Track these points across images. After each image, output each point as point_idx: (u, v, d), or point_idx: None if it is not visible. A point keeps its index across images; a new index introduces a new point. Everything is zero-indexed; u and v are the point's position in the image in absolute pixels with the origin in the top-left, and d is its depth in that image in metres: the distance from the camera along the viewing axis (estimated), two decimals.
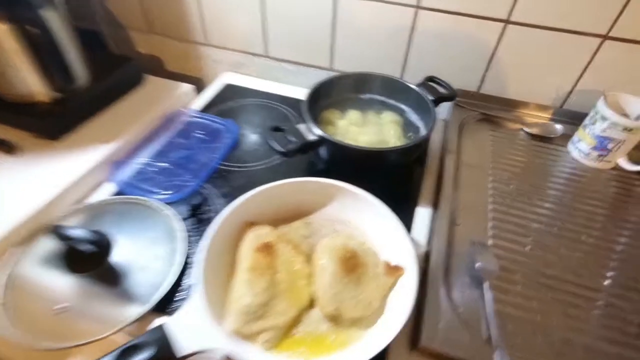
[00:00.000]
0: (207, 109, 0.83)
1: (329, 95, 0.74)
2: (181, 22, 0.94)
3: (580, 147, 0.70)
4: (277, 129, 0.62)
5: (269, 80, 0.98)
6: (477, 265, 0.51)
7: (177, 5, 0.91)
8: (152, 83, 0.83)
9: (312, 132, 0.61)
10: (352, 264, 0.50)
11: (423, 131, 0.70)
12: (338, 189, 0.57)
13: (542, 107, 0.78)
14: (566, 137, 0.74)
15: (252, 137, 0.77)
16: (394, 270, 0.50)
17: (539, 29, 0.70)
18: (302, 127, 0.63)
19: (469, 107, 0.80)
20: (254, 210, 0.56)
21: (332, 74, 0.90)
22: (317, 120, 0.71)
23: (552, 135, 0.75)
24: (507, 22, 0.70)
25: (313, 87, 0.70)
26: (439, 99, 0.70)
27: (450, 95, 0.71)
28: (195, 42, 0.98)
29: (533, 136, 0.75)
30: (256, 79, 0.95)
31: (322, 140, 0.60)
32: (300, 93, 0.70)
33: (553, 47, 0.71)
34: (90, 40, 1.00)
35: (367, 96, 0.77)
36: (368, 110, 0.74)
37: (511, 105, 0.80)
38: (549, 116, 0.78)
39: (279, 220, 0.58)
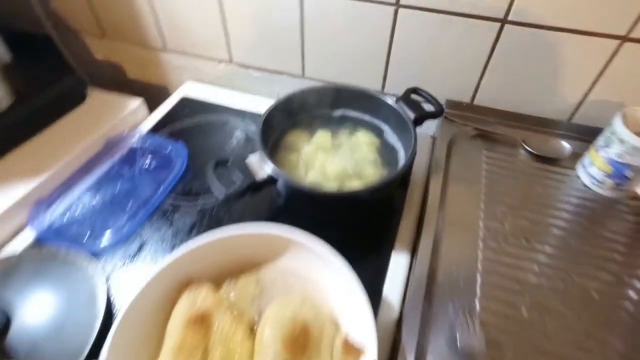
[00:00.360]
0: (158, 128, 0.73)
1: (294, 113, 0.63)
2: (135, 26, 0.84)
3: (592, 173, 0.59)
4: (220, 163, 0.52)
5: (237, 89, 0.87)
6: (459, 345, 0.41)
7: (128, 8, 0.80)
8: (97, 99, 0.73)
9: (264, 167, 0.51)
10: (301, 342, 0.41)
11: (402, 156, 0.59)
12: (290, 241, 0.47)
13: (546, 121, 0.67)
14: (576, 156, 0.63)
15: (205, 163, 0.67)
16: (353, 352, 0.40)
17: (543, 29, 0.57)
18: (253, 160, 0.52)
19: (460, 121, 0.68)
20: (192, 267, 0.46)
21: (304, 82, 0.80)
22: (279, 146, 0.60)
23: (558, 157, 0.63)
24: (504, 21, 0.58)
25: (272, 105, 0.59)
26: (421, 117, 0.59)
27: (436, 112, 0.60)
28: (154, 48, 0.88)
29: (535, 156, 0.64)
30: (220, 89, 0.84)
31: (274, 179, 0.50)
32: (268, 104, 0.60)
33: (560, 51, 0.59)
34: (39, 46, 0.91)
35: (340, 112, 0.66)
36: (340, 130, 0.63)
37: (510, 118, 0.68)
38: (555, 131, 0.67)
39: (224, 274, 0.48)
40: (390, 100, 0.61)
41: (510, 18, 0.57)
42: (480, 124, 0.67)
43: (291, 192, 0.50)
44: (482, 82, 0.67)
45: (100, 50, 0.95)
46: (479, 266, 0.50)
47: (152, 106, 0.81)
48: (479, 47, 0.62)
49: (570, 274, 0.49)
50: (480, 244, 0.52)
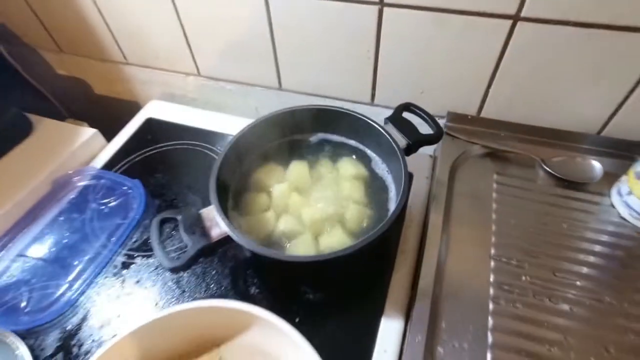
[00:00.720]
0: (117, 159, 0.64)
1: (262, 142, 0.53)
2: (90, 39, 0.74)
3: (631, 203, 0.47)
4: (168, 220, 0.43)
5: (212, 104, 0.78)
6: None
7: (79, 21, 0.70)
8: (45, 131, 0.64)
9: (219, 224, 0.41)
10: None
11: (393, 193, 0.49)
12: (252, 315, 0.38)
13: (571, 135, 0.55)
14: (609, 178, 0.51)
15: (169, 204, 0.58)
16: None
17: (566, 25, 0.45)
18: (207, 213, 0.43)
19: (465, 137, 0.57)
20: (145, 347, 0.38)
21: (282, 94, 0.69)
22: (246, 186, 0.51)
23: (586, 180, 0.52)
24: (517, 18, 0.46)
25: (233, 138, 0.49)
26: (415, 144, 0.48)
27: (433, 137, 0.49)
28: (115, 62, 0.78)
29: (557, 179, 0.52)
30: (190, 108, 0.74)
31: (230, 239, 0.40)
32: (244, 125, 0.50)
33: (587, 51, 0.47)
34: None
35: (318, 137, 0.55)
36: (319, 160, 0.53)
37: (525, 132, 0.56)
38: (582, 146, 0.55)
39: (181, 355, 0.40)
40: (378, 122, 0.50)
41: (524, 14, 0.45)
42: (489, 141, 0.56)
43: (253, 255, 0.40)
44: (491, 90, 0.55)
45: (61, 65, 0.86)
46: (489, 338, 0.40)
47: (122, 124, 0.72)
48: (486, 50, 0.50)
49: (606, 344, 0.39)
50: (491, 306, 0.42)
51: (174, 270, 0.39)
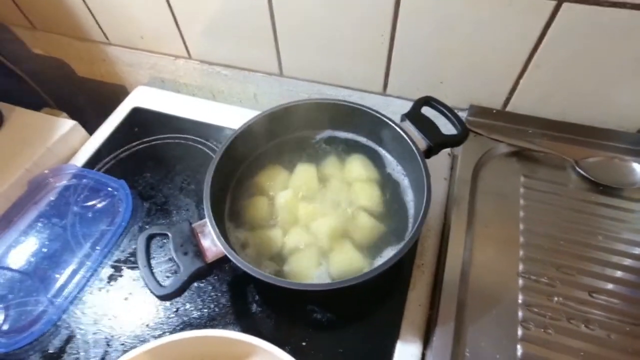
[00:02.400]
0: (101, 156, 0.57)
1: (263, 140, 0.47)
2: (66, 15, 0.65)
3: None
4: (156, 236, 0.37)
5: (207, 91, 0.71)
6: None
7: None
8: (17, 123, 0.57)
9: (216, 242, 0.36)
10: None
11: (410, 197, 0.44)
12: (249, 345, 0.34)
13: (609, 134, 0.49)
14: None
15: (160, 207, 0.52)
16: None
17: (622, 8, 0.38)
18: (201, 225, 0.37)
19: (489, 134, 0.51)
20: None
21: (284, 80, 0.62)
22: (244, 193, 0.45)
23: (625, 185, 0.46)
24: None
25: (230, 138, 0.43)
26: (437, 146, 0.42)
27: (457, 138, 0.43)
28: (96, 42, 0.70)
29: (592, 183, 0.47)
30: (181, 95, 0.67)
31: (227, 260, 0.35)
32: (244, 116, 0.44)
33: (638, 38, 0.40)
34: None
35: (326, 134, 0.49)
36: (327, 160, 0.47)
37: (557, 129, 0.50)
38: (621, 146, 0.49)
39: None
40: (394, 119, 0.44)
41: None
42: (516, 138, 0.50)
43: (254, 280, 0.35)
44: (522, 81, 0.48)
45: (35, 44, 0.77)
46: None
47: (109, 110, 0.65)
48: (522, 35, 0.43)
49: None
50: (520, 331, 0.38)
51: (165, 298, 0.34)
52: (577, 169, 0.48)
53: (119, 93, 0.82)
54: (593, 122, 0.49)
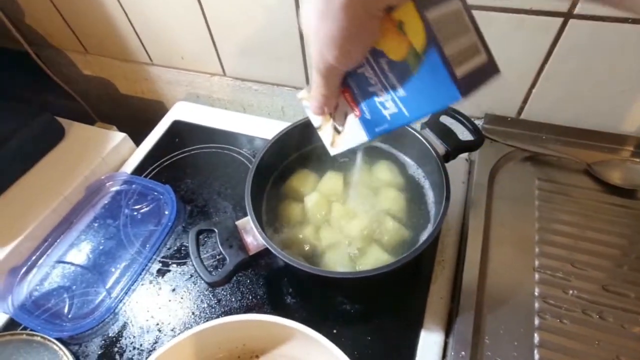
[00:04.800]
0: (146, 164, 0.64)
1: (293, 149, 0.52)
2: (116, 40, 0.73)
3: None
4: (204, 232, 0.42)
5: (237, 104, 0.77)
6: None
7: (105, 22, 0.70)
8: (76, 135, 0.65)
9: (256, 237, 0.41)
10: None
11: (431, 199, 0.47)
12: (288, 328, 0.38)
13: (622, 139, 0.52)
14: None
15: (200, 210, 0.58)
16: None
17: (623, 23, 0.42)
18: (243, 225, 0.42)
19: (504, 140, 0.54)
20: (199, 349, 0.40)
21: None
22: (278, 196, 0.50)
23: (636, 187, 0.49)
24: (569, 15, 0.43)
25: (266, 146, 0.48)
26: (455, 151, 0.46)
27: (474, 143, 0.47)
28: (140, 62, 0.77)
29: (607, 186, 0.50)
30: (217, 110, 0.73)
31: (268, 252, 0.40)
32: (273, 127, 0.49)
33: None
34: (18, 63, 0.83)
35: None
36: (353, 166, 0.52)
37: (571, 135, 0.53)
38: (631, 149, 0.52)
39: None
40: (415, 128, 0.48)
41: (578, 11, 0.42)
42: (530, 144, 0.53)
43: (289, 268, 0.40)
44: (534, 91, 0.52)
45: (86, 66, 0.86)
46: (536, 356, 0.39)
47: (146, 123, 0.72)
48: (532, 49, 0.47)
49: None
50: (537, 321, 0.41)
51: (214, 285, 0.39)
52: (590, 171, 0.51)
53: (156, 108, 0.90)
54: (604, 127, 0.52)
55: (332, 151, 0.36)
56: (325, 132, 0.36)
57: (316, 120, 0.37)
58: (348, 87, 0.31)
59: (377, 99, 0.29)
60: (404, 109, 0.28)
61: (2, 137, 0.57)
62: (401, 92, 0.27)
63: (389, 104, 0.28)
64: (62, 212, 0.56)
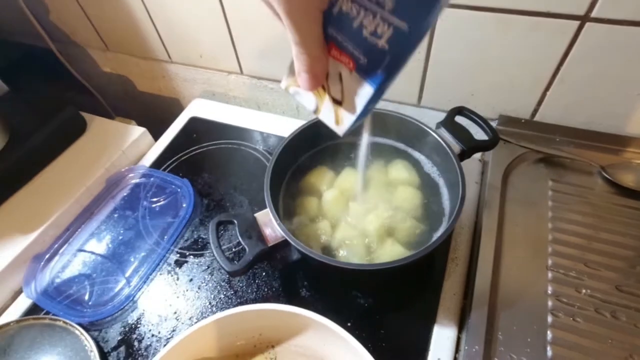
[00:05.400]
0: (165, 158, 0.65)
1: (310, 145, 0.53)
2: (137, 38, 0.75)
3: None
4: (224, 223, 0.44)
5: (253, 102, 0.78)
6: None
7: (127, 20, 0.72)
8: (97, 129, 0.66)
9: (275, 229, 0.42)
10: None
11: (446, 197, 0.48)
12: (305, 318, 0.39)
13: (634, 141, 0.52)
14: None
15: (217, 203, 0.59)
16: None
17: (637, 25, 0.43)
18: (262, 217, 0.44)
19: (518, 141, 0.55)
20: (219, 336, 0.40)
21: None
22: (295, 191, 0.51)
23: None
24: (585, 18, 0.44)
25: (283, 142, 0.49)
26: (470, 150, 0.47)
27: (489, 143, 0.48)
28: (159, 60, 0.79)
29: (620, 189, 0.50)
30: (233, 107, 0.74)
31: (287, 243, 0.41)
32: (288, 125, 0.50)
33: None
34: (40, 59, 0.86)
35: (367, 140, 0.55)
36: (371, 164, 0.53)
37: (584, 137, 0.54)
38: None
39: (238, 354, 0.42)
40: (430, 127, 0.49)
41: (594, 15, 0.43)
42: (544, 145, 0.54)
43: (305, 260, 0.41)
44: (548, 93, 0.52)
45: (106, 63, 0.88)
46: (549, 352, 0.39)
47: (163, 120, 0.74)
48: (547, 52, 0.48)
49: None
50: (550, 318, 0.41)
51: (234, 274, 0.40)
52: (604, 174, 0.51)
53: (173, 105, 0.92)
54: (618, 130, 0.53)
55: (340, 130, 0.31)
56: (326, 112, 0.31)
57: (311, 102, 0.32)
58: (331, 39, 0.27)
59: (366, 32, 0.25)
60: (399, 23, 0.23)
61: (28, 130, 0.59)
62: (389, 3, 0.23)
63: (380, 28, 0.24)
64: (83, 202, 0.58)
